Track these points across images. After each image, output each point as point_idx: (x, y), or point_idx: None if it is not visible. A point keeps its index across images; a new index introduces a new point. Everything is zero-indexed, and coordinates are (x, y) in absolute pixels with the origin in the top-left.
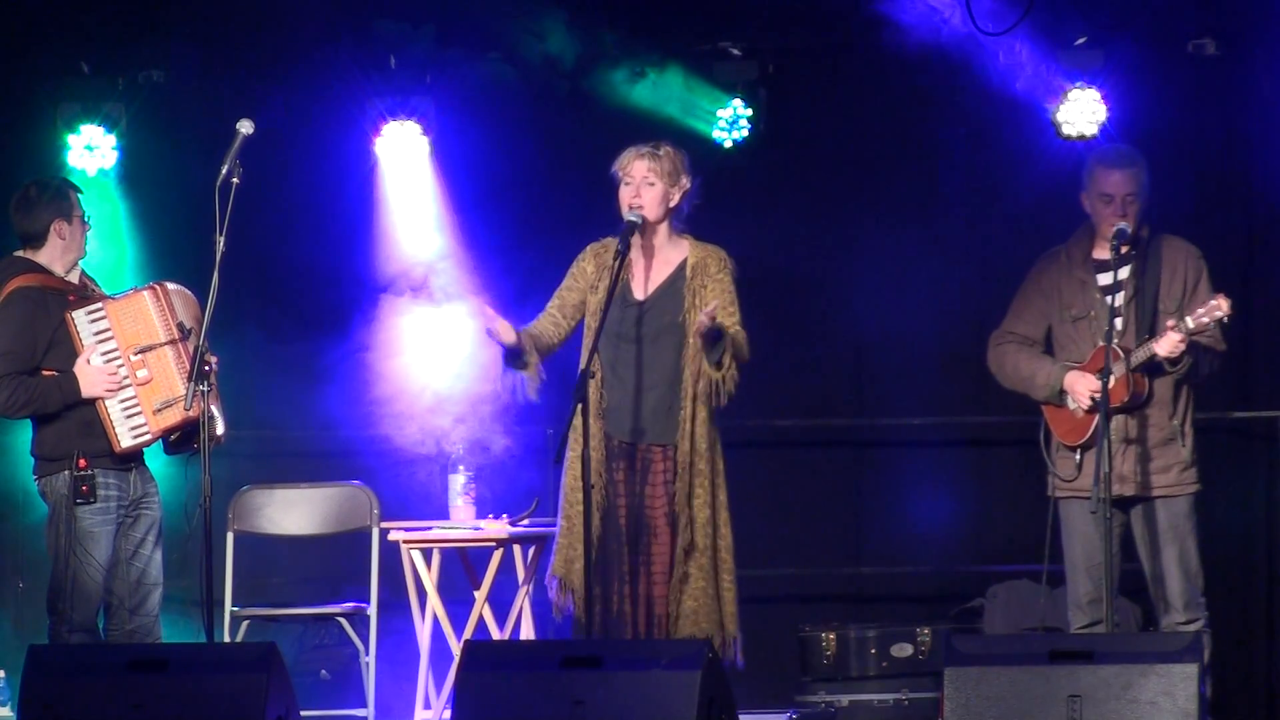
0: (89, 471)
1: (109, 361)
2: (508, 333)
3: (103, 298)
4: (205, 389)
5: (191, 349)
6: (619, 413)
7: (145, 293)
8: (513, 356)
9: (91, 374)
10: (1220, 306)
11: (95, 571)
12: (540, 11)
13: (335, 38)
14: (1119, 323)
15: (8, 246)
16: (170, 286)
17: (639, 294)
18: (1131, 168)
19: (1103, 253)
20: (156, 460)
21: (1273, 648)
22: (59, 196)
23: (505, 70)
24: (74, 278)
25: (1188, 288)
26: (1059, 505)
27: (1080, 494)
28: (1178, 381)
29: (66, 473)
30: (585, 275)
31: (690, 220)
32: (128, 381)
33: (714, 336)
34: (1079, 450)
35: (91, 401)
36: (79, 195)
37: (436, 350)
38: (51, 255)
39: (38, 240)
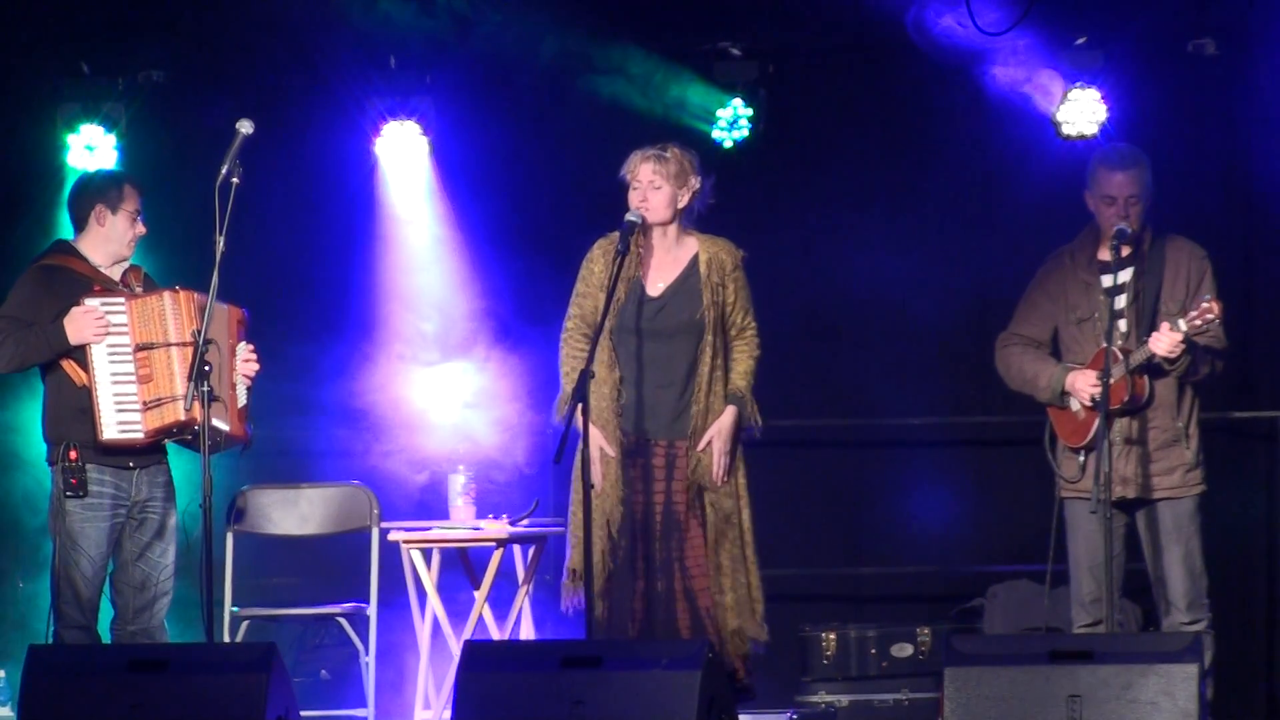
0: (78, 464)
1: (117, 354)
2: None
3: (129, 295)
4: (206, 389)
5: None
6: (635, 409)
7: (166, 294)
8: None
9: (80, 319)
10: (1212, 309)
11: (86, 567)
12: (541, 11)
13: (335, 38)
14: (1122, 324)
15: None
16: (196, 296)
17: (652, 292)
18: (1134, 169)
19: (1107, 254)
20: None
21: (1273, 648)
22: (105, 185)
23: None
24: (114, 273)
25: (1190, 288)
26: (1064, 505)
27: (1084, 495)
28: (1181, 383)
29: (61, 464)
30: (595, 276)
31: (699, 219)
32: (131, 377)
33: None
34: (1082, 451)
35: (81, 348)
36: (136, 192)
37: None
38: (92, 243)
39: (80, 225)
